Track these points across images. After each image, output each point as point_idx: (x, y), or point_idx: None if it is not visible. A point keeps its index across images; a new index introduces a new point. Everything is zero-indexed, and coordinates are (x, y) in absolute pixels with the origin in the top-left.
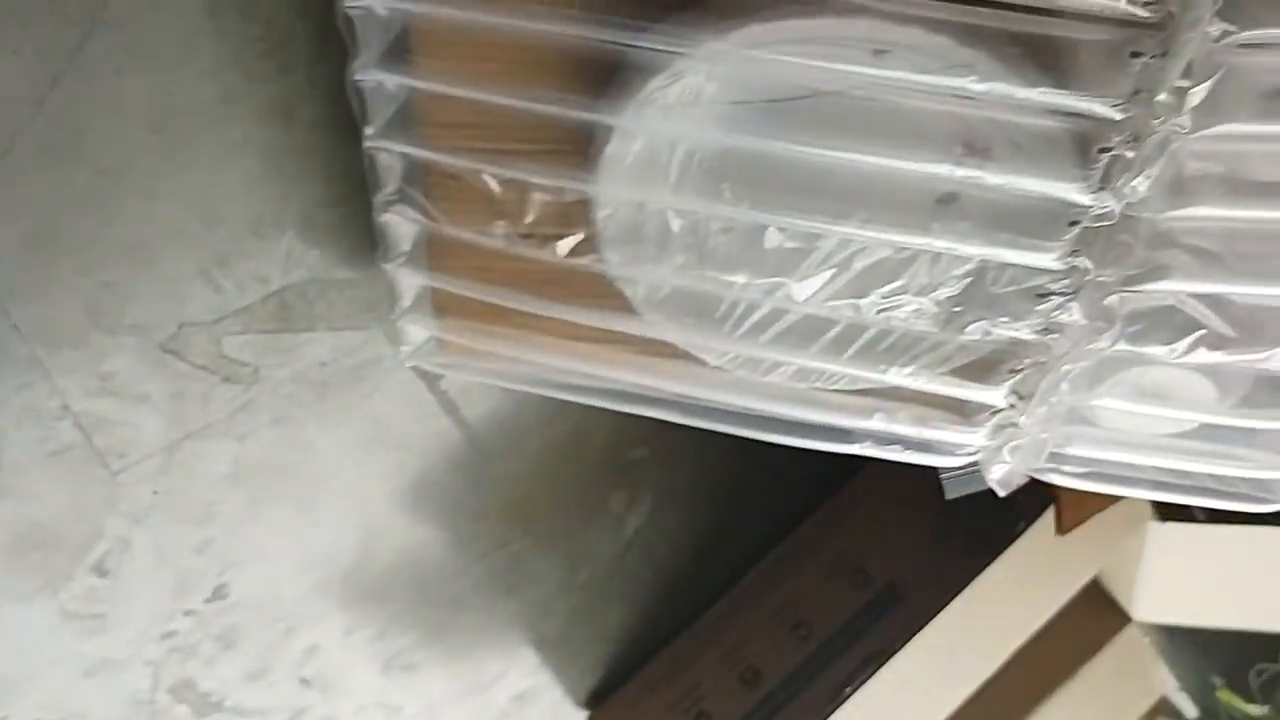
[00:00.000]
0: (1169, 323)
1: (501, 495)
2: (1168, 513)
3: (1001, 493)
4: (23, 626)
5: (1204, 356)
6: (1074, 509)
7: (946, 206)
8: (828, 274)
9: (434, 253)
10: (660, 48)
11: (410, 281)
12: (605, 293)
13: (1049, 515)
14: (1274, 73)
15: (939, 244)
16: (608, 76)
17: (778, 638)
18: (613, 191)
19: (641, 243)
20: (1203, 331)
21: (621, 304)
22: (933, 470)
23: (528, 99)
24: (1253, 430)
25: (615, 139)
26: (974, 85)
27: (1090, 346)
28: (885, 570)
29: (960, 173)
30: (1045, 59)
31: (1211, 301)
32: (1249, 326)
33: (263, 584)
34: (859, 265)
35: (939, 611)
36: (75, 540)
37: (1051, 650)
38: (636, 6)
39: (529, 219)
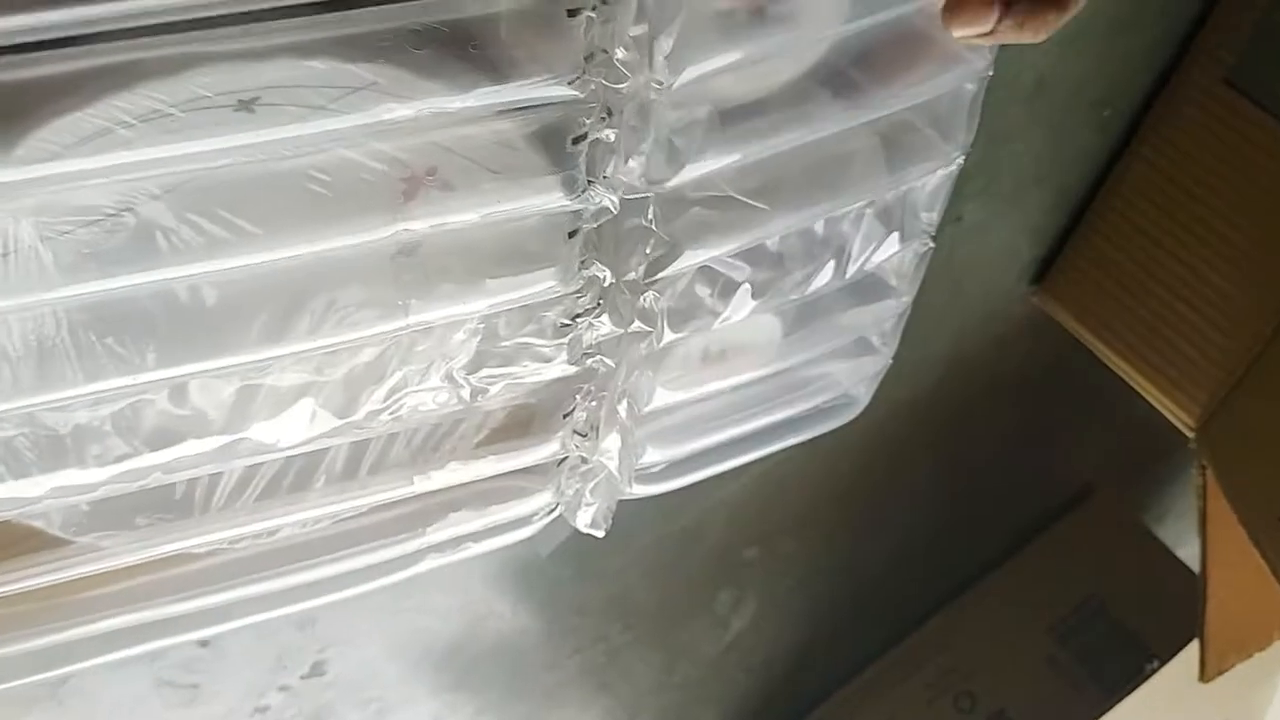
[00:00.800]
0: (709, 288)
1: (606, 588)
2: None
3: (598, 534)
4: (114, 693)
5: (751, 307)
6: (1221, 654)
7: (410, 259)
8: (303, 405)
9: None
10: None
11: None
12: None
13: (1184, 655)
14: None
15: (424, 318)
16: None
17: None
18: None
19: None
20: (744, 285)
21: (40, 542)
22: (1049, 588)
23: None
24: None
25: None
26: (389, 112)
27: (638, 354)
28: (995, 696)
29: (413, 223)
30: (466, 52)
31: (743, 253)
32: (782, 258)
33: (359, 663)
34: (333, 376)
35: None
36: None
37: None
38: None
39: None
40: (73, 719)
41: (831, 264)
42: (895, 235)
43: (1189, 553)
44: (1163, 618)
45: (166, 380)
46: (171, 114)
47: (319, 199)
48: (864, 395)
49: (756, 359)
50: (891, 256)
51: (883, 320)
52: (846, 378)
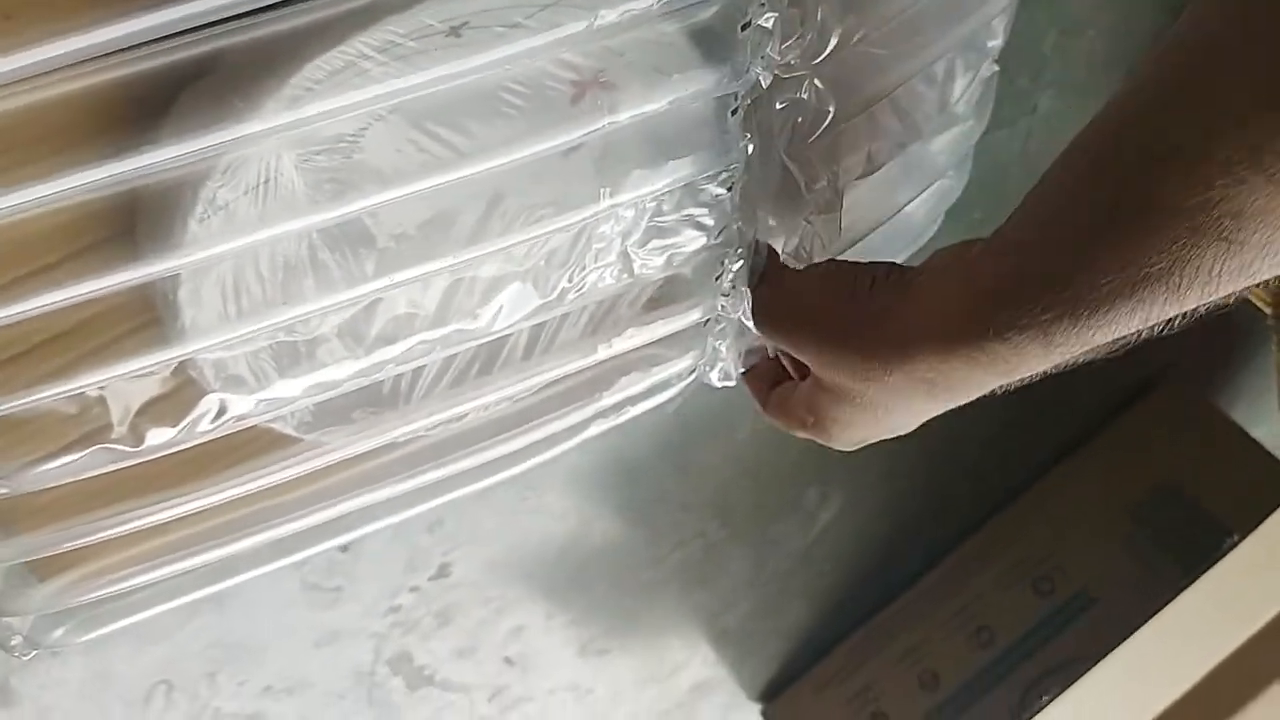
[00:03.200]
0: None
1: (706, 485)
2: None
3: (730, 383)
4: (266, 596)
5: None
6: None
7: (596, 152)
8: (509, 291)
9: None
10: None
11: None
12: (242, 443)
13: (1261, 531)
14: None
15: (617, 200)
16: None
17: (957, 641)
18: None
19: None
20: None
21: (270, 442)
22: (1125, 473)
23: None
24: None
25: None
26: (575, 24)
27: (775, 211)
28: (1074, 577)
29: (600, 120)
30: None
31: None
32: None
33: (481, 565)
34: (530, 264)
35: (1139, 626)
36: None
37: (1253, 664)
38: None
39: (120, 419)
40: (232, 621)
41: (935, 99)
42: (963, 66)
43: (1263, 432)
44: (1239, 497)
45: (387, 287)
46: (403, 44)
47: (516, 109)
48: (930, 228)
49: (862, 208)
50: (959, 86)
51: (957, 150)
52: (919, 209)
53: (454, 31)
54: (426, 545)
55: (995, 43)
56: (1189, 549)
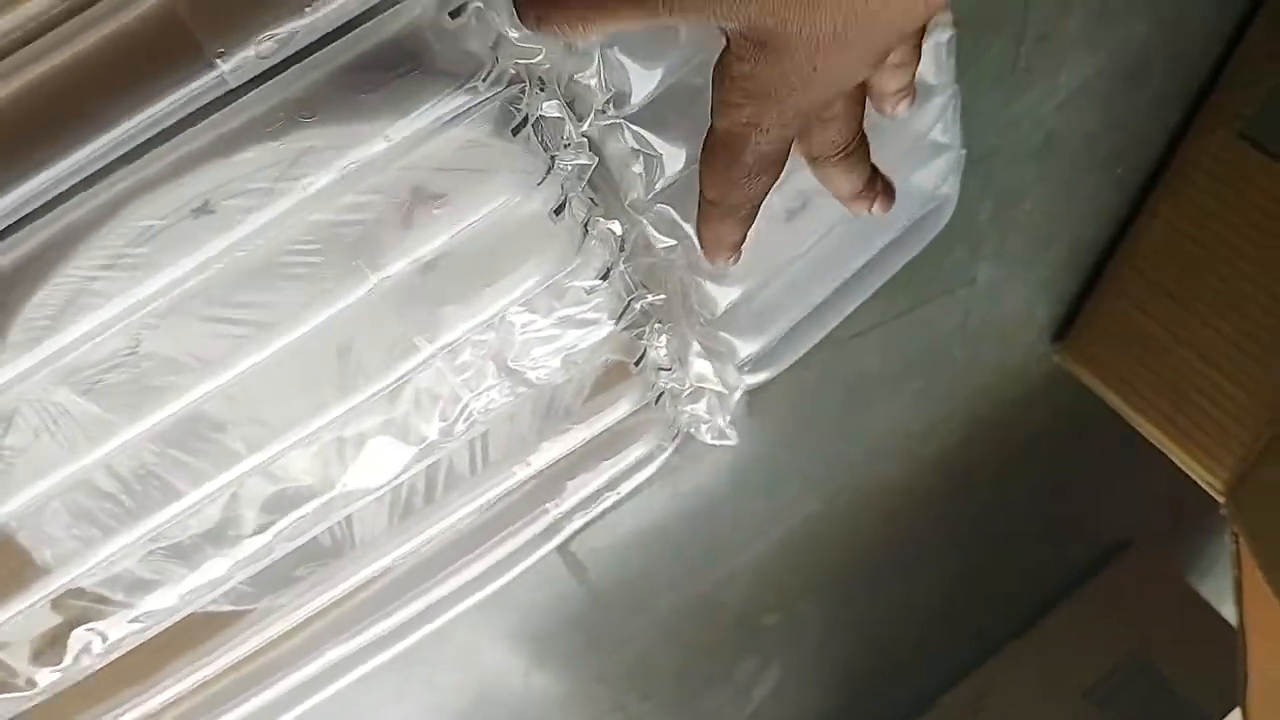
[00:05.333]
0: None
1: (623, 657)
2: None
3: (731, 442)
4: None
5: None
6: None
7: (415, 286)
8: (376, 444)
9: None
10: None
11: None
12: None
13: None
14: None
15: (443, 343)
16: None
17: None
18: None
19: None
20: None
21: (220, 621)
22: (1080, 643)
23: None
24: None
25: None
26: (337, 167)
27: (683, 268)
28: None
29: (446, 230)
30: (390, 78)
31: None
32: None
33: None
34: (398, 410)
35: None
36: None
37: None
38: None
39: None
40: None
41: None
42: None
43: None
44: (1206, 678)
45: (250, 468)
46: (126, 254)
47: (311, 267)
48: (953, 191)
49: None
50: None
51: (940, 115)
52: (931, 181)
53: (203, 209)
54: None
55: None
56: None
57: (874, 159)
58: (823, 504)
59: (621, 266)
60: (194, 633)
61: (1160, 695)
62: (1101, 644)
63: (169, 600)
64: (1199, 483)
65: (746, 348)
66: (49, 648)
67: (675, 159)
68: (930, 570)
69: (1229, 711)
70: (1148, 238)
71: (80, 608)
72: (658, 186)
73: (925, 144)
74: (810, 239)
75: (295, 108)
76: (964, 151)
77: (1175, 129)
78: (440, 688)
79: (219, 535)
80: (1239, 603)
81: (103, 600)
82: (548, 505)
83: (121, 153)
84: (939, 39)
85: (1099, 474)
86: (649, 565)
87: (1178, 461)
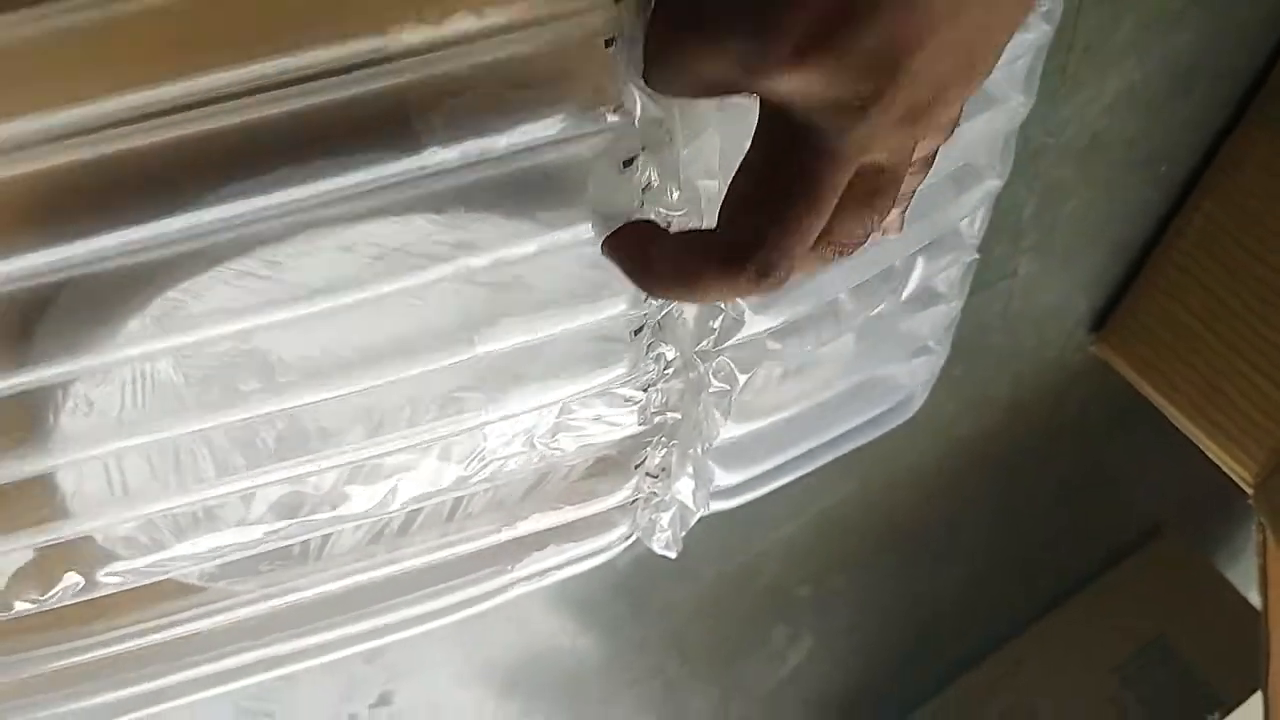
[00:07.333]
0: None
1: (663, 624)
2: None
3: (672, 555)
4: (199, 716)
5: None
6: None
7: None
8: (395, 479)
9: None
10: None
11: None
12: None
13: (1251, 703)
14: None
15: (501, 413)
16: None
17: None
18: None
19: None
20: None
21: (177, 589)
22: (1106, 624)
23: None
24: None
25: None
26: (515, 251)
27: (707, 400)
28: None
29: (536, 335)
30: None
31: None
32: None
33: (424, 693)
34: (428, 455)
35: None
36: None
37: None
38: None
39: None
40: None
41: (888, 289)
42: (939, 251)
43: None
44: (1229, 662)
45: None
46: (267, 276)
47: (425, 323)
48: (921, 394)
49: (831, 371)
50: (939, 271)
51: (938, 326)
52: (908, 379)
53: (377, 257)
54: (365, 674)
55: (974, 237)
56: (1171, 716)
57: (877, 348)
58: (859, 483)
59: (660, 384)
60: (145, 593)
61: (1184, 677)
62: (1128, 626)
63: (158, 563)
64: (1228, 474)
65: (726, 479)
66: (38, 580)
67: (754, 324)
68: (962, 549)
69: (1251, 694)
70: (1189, 234)
71: (78, 551)
72: (730, 341)
73: (916, 344)
74: (800, 402)
75: (466, 196)
76: (948, 357)
77: (1219, 132)
78: (492, 644)
79: (224, 519)
80: (1263, 589)
81: (100, 551)
82: (508, 567)
83: (315, 192)
84: (964, 260)
85: (1131, 461)
86: (693, 538)
87: (1208, 453)
